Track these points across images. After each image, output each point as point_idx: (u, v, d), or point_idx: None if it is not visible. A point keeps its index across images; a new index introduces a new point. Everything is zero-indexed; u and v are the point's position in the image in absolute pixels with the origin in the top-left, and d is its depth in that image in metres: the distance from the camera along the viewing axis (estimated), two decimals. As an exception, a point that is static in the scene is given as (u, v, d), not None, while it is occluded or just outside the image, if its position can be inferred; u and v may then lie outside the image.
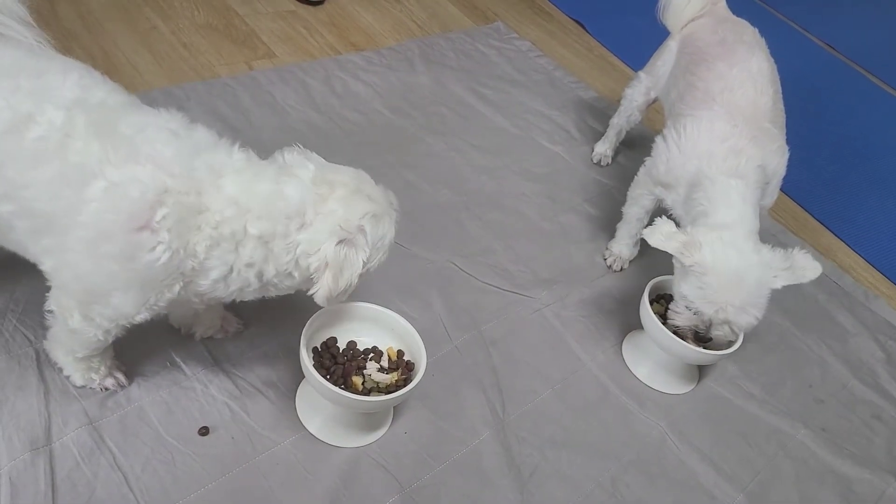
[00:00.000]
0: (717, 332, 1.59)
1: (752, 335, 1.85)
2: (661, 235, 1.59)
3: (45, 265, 1.19)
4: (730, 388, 1.80)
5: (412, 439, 1.48)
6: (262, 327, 1.55)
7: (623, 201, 2.01)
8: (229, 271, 1.19)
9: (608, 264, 2.03)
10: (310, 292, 1.24)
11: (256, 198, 1.17)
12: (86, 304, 1.19)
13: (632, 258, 2.04)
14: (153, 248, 1.11)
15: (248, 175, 1.19)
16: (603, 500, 1.49)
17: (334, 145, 2.13)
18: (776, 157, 1.76)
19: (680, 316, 1.62)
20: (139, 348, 1.42)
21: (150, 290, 1.17)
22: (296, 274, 1.23)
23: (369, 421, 1.46)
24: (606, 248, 2.06)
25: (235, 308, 1.52)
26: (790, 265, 1.56)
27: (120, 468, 1.28)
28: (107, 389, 1.37)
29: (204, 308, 1.38)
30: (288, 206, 1.18)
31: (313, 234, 1.19)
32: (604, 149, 2.39)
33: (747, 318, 1.55)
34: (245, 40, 2.45)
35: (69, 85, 1.15)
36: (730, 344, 1.63)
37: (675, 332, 1.63)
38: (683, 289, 1.59)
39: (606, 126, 2.41)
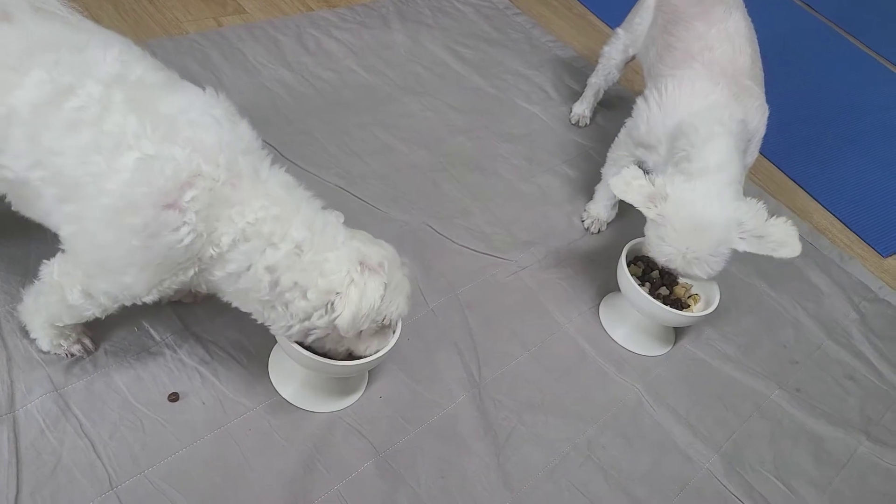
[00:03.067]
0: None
1: (728, 297, 1.84)
2: (626, 185, 1.56)
3: (64, 231, 1.16)
4: (706, 349, 1.80)
5: (387, 403, 1.46)
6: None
7: (601, 162, 1.99)
8: (247, 269, 1.16)
9: (586, 226, 2.01)
10: (333, 317, 1.19)
11: (303, 210, 1.18)
12: (94, 278, 1.17)
13: (610, 220, 2.02)
14: (177, 228, 1.09)
15: (297, 191, 1.21)
16: (579, 462, 1.48)
17: (307, 105, 2.08)
18: (757, 115, 1.73)
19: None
20: (106, 313, 1.39)
21: (166, 272, 1.15)
22: (311, 296, 1.17)
23: (344, 385, 1.44)
24: (584, 210, 2.04)
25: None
26: (764, 234, 1.51)
27: (87, 435, 1.25)
28: (73, 356, 1.33)
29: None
30: (327, 229, 1.19)
31: (340, 255, 1.18)
32: (582, 109, 2.36)
33: (701, 271, 1.54)
34: (214, -5, 2.37)
35: (109, 60, 1.14)
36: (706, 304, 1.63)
37: (652, 293, 1.62)
38: (647, 235, 1.59)
39: (584, 86, 2.37)
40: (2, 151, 1.12)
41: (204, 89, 1.19)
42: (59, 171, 1.10)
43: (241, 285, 1.18)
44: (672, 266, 1.57)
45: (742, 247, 1.52)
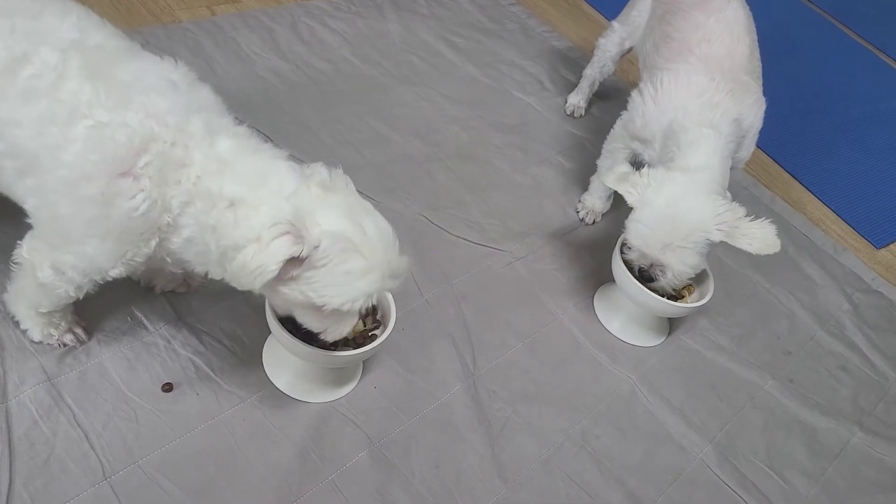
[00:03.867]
0: (660, 278, 1.60)
1: (721, 288, 1.85)
2: (615, 176, 1.60)
3: (28, 205, 1.15)
4: (700, 340, 1.80)
5: (382, 394, 1.46)
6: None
7: (596, 153, 1.98)
8: (198, 232, 1.11)
9: (581, 217, 2.01)
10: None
11: (245, 164, 1.11)
12: (58, 250, 1.15)
13: (605, 211, 2.02)
14: (133, 196, 1.07)
15: (248, 144, 1.14)
16: (573, 452, 1.49)
17: (301, 94, 2.07)
18: (753, 111, 1.73)
19: (630, 252, 1.62)
20: (99, 303, 1.37)
21: (127, 243, 1.12)
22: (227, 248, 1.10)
23: (338, 376, 1.43)
24: (579, 201, 2.04)
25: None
26: (739, 228, 1.51)
27: (80, 425, 1.25)
28: (65, 345, 1.32)
29: (180, 271, 1.32)
30: (273, 184, 1.09)
31: (271, 212, 1.07)
32: (577, 100, 2.35)
33: (675, 260, 1.55)
34: (206, -17, 2.35)
35: (66, 26, 1.11)
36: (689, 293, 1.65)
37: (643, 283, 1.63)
38: (628, 221, 1.60)
39: (579, 77, 2.36)
40: None
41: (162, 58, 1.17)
42: (16, 143, 1.09)
43: (197, 250, 1.14)
44: (647, 252, 1.57)
45: (718, 237, 1.52)
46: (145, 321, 1.41)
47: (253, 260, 1.05)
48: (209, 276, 1.19)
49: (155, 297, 1.44)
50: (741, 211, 1.53)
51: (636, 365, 1.69)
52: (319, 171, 1.15)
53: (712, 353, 1.78)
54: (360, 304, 1.13)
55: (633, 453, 1.52)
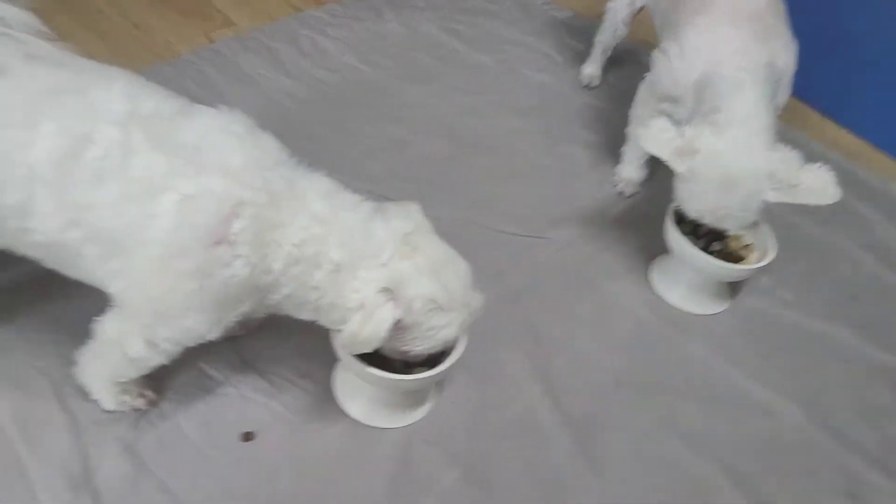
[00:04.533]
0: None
1: (776, 240, 1.79)
2: (654, 139, 1.52)
3: (113, 288, 1.12)
4: (765, 299, 1.75)
5: (459, 409, 1.42)
6: (285, 319, 1.46)
7: (621, 123, 1.93)
8: (299, 289, 1.14)
9: (619, 190, 1.96)
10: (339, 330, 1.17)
11: (346, 225, 1.14)
12: (153, 327, 1.13)
13: (642, 180, 1.97)
14: (229, 264, 1.06)
15: (338, 200, 1.16)
16: (664, 437, 1.44)
17: (312, 110, 2.02)
18: (784, 53, 1.67)
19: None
20: (161, 361, 1.34)
21: (228, 308, 1.13)
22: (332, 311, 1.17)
23: (413, 398, 1.40)
24: (614, 174, 1.98)
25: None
26: (798, 183, 1.47)
27: (168, 490, 1.21)
28: (138, 410, 1.29)
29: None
30: (369, 245, 1.14)
31: (368, 275, 1.13)
32: (591, 70, 2.29)
33: (729, 225, 1.52)
34: (197, 10, 2.30)
35: (116, 97, 1.08)
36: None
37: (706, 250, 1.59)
38: (677, 191, 1.56)
39: (589, 46, 2.30)
40: (29, 215, 1.07)
41: (216, 108, 1.15)
42: (96, 227, 1.06)
43: (295, 302, 1.18)
44: (702, 222, 1.54)
45: (774, 198, 1.48)
46: (211, 371, 1.37)
47: (363, 330, 1.11)
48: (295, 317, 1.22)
49: (215, 344, 1.39)
50: (796, 161, 1.48)
51: (705, 335, 1.65)
52: (406, 223, 1.18)
53: (779, 309, 1.74)
54: (440, 349, 1.23)
55: (723, 428, 1.48)
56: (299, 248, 1.11)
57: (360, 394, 1.37)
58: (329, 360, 1.37)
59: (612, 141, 2.05)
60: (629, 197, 1.95)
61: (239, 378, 1.37)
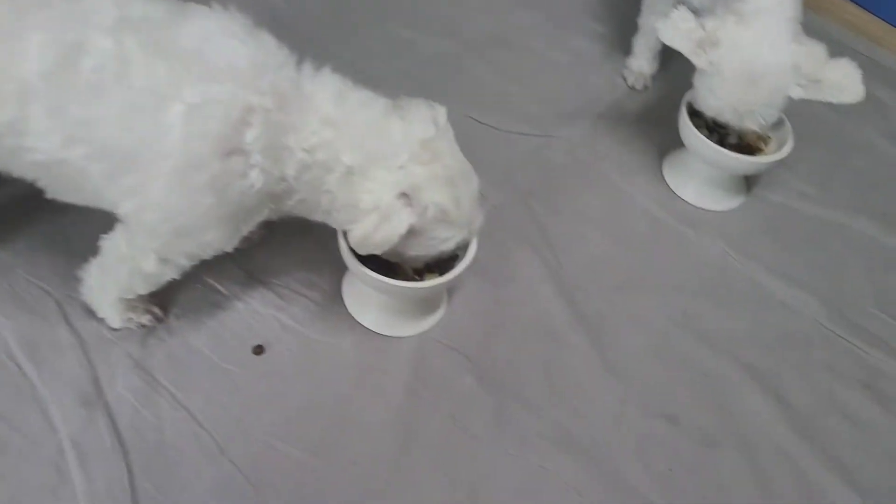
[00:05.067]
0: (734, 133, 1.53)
1: (793, 131, 1.73)
2: (674, 30, 1.44)
3: (125, 207, 1.08)
4: (782, 191, 1.70)
5: (473, 313, 1.39)
6: (288, 227, 1.42)
7: (631, 12, 1.84)
8: (311, 194, 1.11)
9: (630, 84, 1.88)
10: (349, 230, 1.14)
11: (358, 125, 1.09)
12: (170, 244, 1.10)
13: (654, 72, 1.88)
14: (246, 174, 1.02)
15: (350, 100, 1.10)
16: (679, 335, 1.42)
17: (307, 9, 1.91)
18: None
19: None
20: (165, 276, 1.31)
21: (246, 219, 1.11)
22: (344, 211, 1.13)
23: (426, 304, 1.37)
24: (625, 67, 1.90)
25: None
26: (823, 79, 1.40)
27: (182, 406, 1.20)
28: (144, 327, 1.26)
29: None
30: (384, 146, 1.08)
31: (384, 177, 1.08)
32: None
33: (750, 123, 1.46)
34: None
35: (104, 3, 1.01)
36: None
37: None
38: (696, 86, 1.49)
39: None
40: (24, 133, 1.01)
41: (209, 6, 1.08)
42: (100, 143, 1.01)
43: (307, 206, 1.15)
44: (722, 120, 1.47)
45: (798, 94, 1.42)
46: (218, 286, 1.34)
47: (377, 233, 1.08)
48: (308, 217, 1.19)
49: (219, 259, 1.36)
50: (822, 54, 1.40)
51: (722, 231, 1.61)
52: (425, 125, 1.11)
53: (798, 202, 1.69)
54: (435, 256, 1.20)
55: (741, 324, 1.46)
56: (311, 153, 1.07)
57: (370, 303, 1.34)
58: (338, 269, 1.35)
59: (622, 31, 1.95)
60: (641, 91, 1.87)
61: (246, 291, 1.34)
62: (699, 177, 1.65)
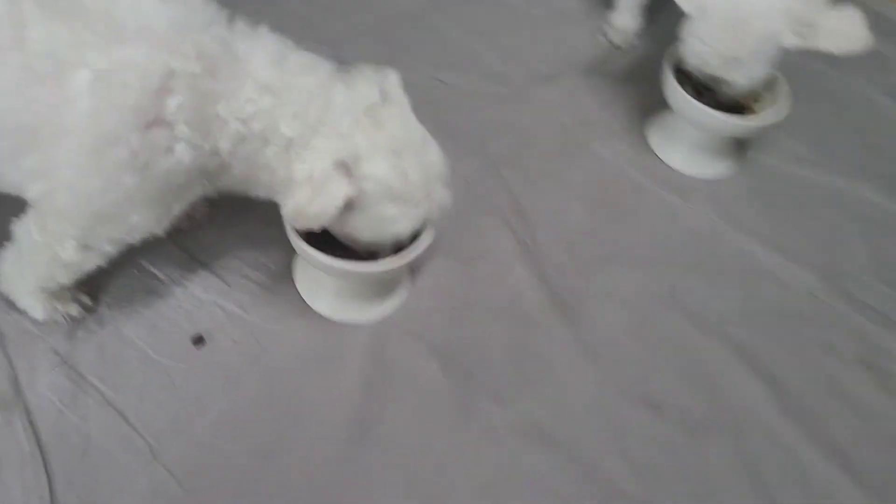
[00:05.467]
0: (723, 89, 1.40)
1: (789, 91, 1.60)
2: None
3: (32, 191, 0.96)
4: (776, 155, 1.58)
5: (438, 295, 1.28)
6: (234, 204, 1.29)
7: (614, -37, 1.70)
8: (249, 169, 1.00)
9: (612, 42, 1.74)
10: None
11: (296, 93, 0.97)
12: (90, 229, 0.98)
13: (639, 30, 1.75)
14: (171, 149, 0.90)
15: (289, 63, 0.98)
16: (664, 313, 1.31)
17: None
18: None
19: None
20: (97, 261, 1.19)
21: (176, 198, 0.99)
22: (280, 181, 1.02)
23: (384, 286, 1.25)
24: (607, 24, 1.76)
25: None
26: (819, 25, 1.28)
27: (112, 405, 1.09)
28: (72, 318, 1.14)
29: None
30: (326, 114, 0.97)
31: (322, 145, 0.97)
32: None
33: (741, 76, 1.34)
34: None
35: None
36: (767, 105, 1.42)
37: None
38: (682, 35, 1.37)
39: None
40: None
41: None
42: None
43: (245, 182, 1.04)
44: (708, 71, 1.35)
45: (792, 42, 1.29)
46: (154, 270, 1.22)
47: (311, 205, 0.97)
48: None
49: (158, 241, 1.24)
50: (819, 1, 1.27)
51: (711, 199, 1.48)
52: (370, 91, 1.00)
53: (792, 166, 1.56)
54: (389, 243, 1.09)
55: (731, 300, 1.34)
56: (246, 124, 0.95)
57: (324, 286, 1.23)
58: (288, 249, 1.21)
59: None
60: (624, 50, 1.74)
61: (186, 276, 1.22)
62: (686, 141, 1.52)
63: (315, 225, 1.00)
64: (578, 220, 1.42)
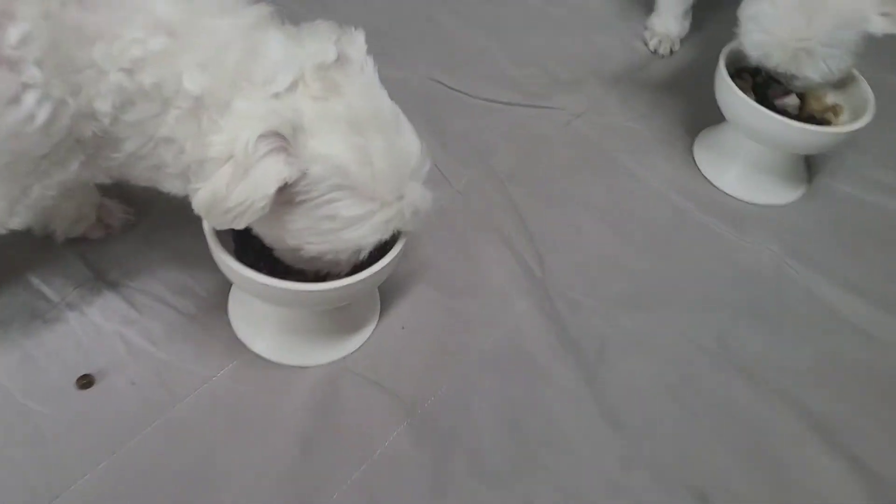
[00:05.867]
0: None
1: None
2: None
3: None
4: (853, 181, 1.28)
5: (414, 334, 0.98)
6: (165, 210, 1.03)
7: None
8: (146, 142, 0.74)
9: (652, 48, 1.47)
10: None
11: (206, 35, 0.71)
12: None
13: (683, 35, 1.48)
14: (18, 99, 0.66)
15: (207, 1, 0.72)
16: (709, 370, 0.99)
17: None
18: None
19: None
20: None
21: (35, 177, 0.74)
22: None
23: (344, 319, 0.96)
24: (646, 28, 1.50)
25: (120, 192, 1.01)
26: None
27: (-42, 464, 0.80)
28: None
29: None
30: (253, 67, 0.71)
31: (248, 109, 0.70)
32: None
33: (809, 69, 1.07)
34: None
35: None
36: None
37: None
38: (741, 23, 1.12)
39: None
40: None
41: None
42: None
43: (146, 165, 0.77)
44: (771, 65, 1.09)
45: (881, 27, 1.02)
46: (45, 289, 0.94)
47: (232, 192, 0.69)
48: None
49: (57, 250, 0.97)
50: None
51: (775, 230, 1.18)
52: (324, 46, 0.74)
53: (875, 194, 1.26)
54: (347, 256, 0.79)
55: (799, 356, 1.02)
56: (132, 75, 0.69)
57: (265, 319, 0.94)
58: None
59: (642, -13, 1.56)
60: (665, 56, 1.47)
61: (87, 297, 0.94)
62: (743, 160, 1.23)
63: (237, 222, 0.72)
64: (600, 248, 1.12)
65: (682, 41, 1.49)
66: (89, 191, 0.96)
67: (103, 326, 0.92)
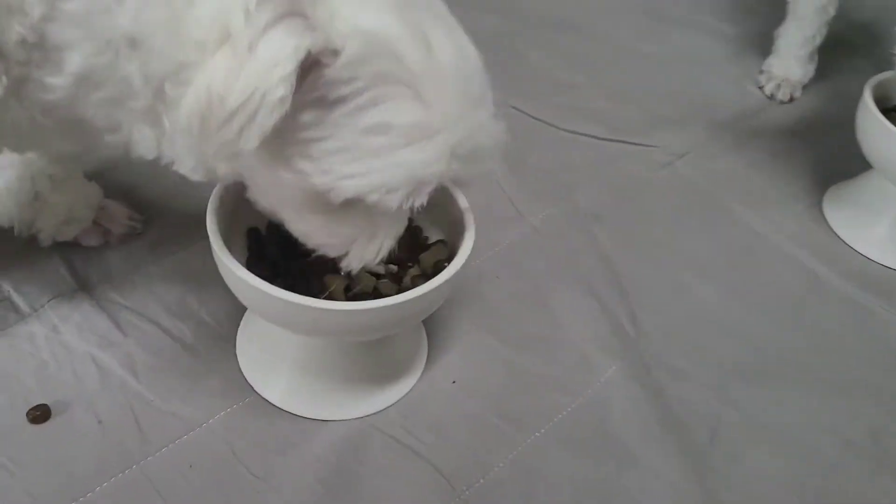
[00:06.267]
0: None
1: None
2: None
3: None
4: None
5: (467, 393, 0.76)
6: (178, 224, 0.86)
7: (775, 15, 1.28)
8: (100, 51, 0.53)
9: (768, 93, 1.27)
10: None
11: None
12: None
13: (806, 81, 1.28)
14: None
15: None
16: (856, 468, 0.74)
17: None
18: None
19: None
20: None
21: None
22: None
23: (379, 365, 0.75)
24: (761, 71, 1.30)
25: (129, 194, 0.85)
26: None
27: None
28: None
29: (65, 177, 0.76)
30: None
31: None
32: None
33: None
34: None
35: None
36: None
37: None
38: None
39: None
40: None
41: None
42: None
43: (101, 97, 0.55)
44: None
45: None
46: (17, 297, 0.77)
47: (236, 87, 0.47)
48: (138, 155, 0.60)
49: (42, 255, 0.80)
50: None
51: (926, 302, 0.93)
52: None
53: None
54: (398, 198, 0.54)
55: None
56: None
57: (280, 358, 0.74)
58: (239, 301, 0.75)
59: (755, 32, 1.37)
60: (784, 102, 1.26)
61: (62, 311, 0.76)
62: (891, 215, 0.99)
63: (247, 139, 0.49)
64: (710, 310, 0.89)
65: (803, 88, 1.28)
66: (86, 186, 0.80)
67: (76, 347, 0.73)
